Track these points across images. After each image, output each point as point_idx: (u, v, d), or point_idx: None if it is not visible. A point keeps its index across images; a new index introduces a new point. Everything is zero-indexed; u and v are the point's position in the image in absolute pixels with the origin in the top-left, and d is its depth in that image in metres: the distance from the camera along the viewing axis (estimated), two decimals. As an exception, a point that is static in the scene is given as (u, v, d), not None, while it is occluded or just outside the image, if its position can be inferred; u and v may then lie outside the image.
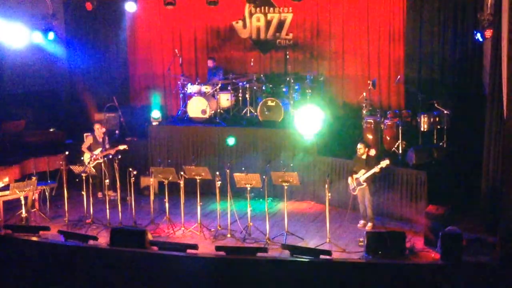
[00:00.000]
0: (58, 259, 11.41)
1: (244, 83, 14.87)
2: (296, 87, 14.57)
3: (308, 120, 13.38)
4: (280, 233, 11.74)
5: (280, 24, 15.89)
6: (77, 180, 12.90)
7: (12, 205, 13.08)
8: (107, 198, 12.71)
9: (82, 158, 13.67)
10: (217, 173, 12.03)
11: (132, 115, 16.73)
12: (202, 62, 16.35)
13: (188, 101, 14.90)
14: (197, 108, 14.74)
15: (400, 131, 13.20)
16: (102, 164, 13.27)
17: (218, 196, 12.09)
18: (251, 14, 16.08)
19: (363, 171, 11.84)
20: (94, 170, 13.04)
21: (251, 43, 16.21)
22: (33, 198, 13.18)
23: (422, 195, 12.17)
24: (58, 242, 11.70)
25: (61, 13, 16.87)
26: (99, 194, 13.86)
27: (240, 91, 14.92)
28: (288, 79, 14.53)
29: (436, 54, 14.42)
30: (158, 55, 16.91)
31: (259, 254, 10.80)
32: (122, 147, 13.59)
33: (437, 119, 13.27)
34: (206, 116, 14.68)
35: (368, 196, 11.96)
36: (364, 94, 14.22)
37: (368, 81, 14.32)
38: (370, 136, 13.49)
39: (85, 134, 14.32)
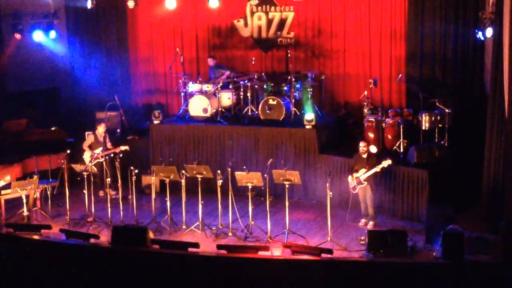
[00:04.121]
0: (60, 258, 11.43)
1: (246, 81, 14.86)
2: (298, 86, 14.57)
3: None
4: (281, 232, 11.75)
5: (282, 22, 15.88)
6: (78, 178, 12.92)
7: (13, 204, 13.10)
8: (108, 196, 12.72)
9: (83, 156, 13.69)
10: (219, 171, 12.03)
11: (133, 113, 16.75)
12: (203, 61, 16.33)
13: (190, 100, 14.89)
14: (198, 106, 14.74)
15: (401, 129, 13.20)
16: (104, 163, 13.28)
17: (219, 194, 12.09)
18: (252, 13, 16.07)
19: (363, 170, 11.84)
20: (95, 169, 13.05)
21: (253, 41, 16.20)
22: (35, 196, 13.20)
23: (423, 194, 12.17)
24: (59, 240, 11.73)
25: (62, 11, 16.87)
26: (101, 193, 13.86)
27: (242, 89, 14.90)
28: (289, 77, 14.52)
29: (437, 52, 14.40)
30: (160, 54, 16.91)
31: (260, 253, 10.82)
32: (123, 148, 13.58)
33: (438, 117, 13.26)
34: (208, 114, 14.68)
35: (369, 195, 11.96)
36: (366, 92, 14.24)
37: (370, 80, 14.33)
38: (371, 135, 13.49)
39: (86, 133, 14.34)
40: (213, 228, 12.17)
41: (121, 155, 13.00)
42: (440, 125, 13.30)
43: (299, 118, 14.24)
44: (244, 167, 12.26)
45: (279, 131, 14.03)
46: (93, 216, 12.72)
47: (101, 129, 13.86)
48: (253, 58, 15.45)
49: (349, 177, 12.10)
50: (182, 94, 15.42)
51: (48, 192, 13.51)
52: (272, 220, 11.98)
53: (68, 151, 13.75)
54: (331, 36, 15.51)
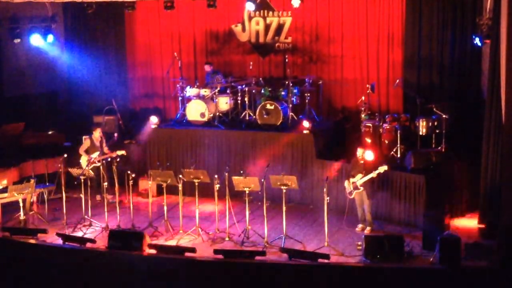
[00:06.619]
0: (56, 262, 11.41)
1: (243, 86, 14.88)
2: (295, 91, 14.58)
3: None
4: (278, 237, 11.73)
5: (279, 27, 15.89)
6: (75, 182, 12.90)
7: (10, 208, 13.07)
8: (105, 201, 12.71)
9: (80, 161, 13.68)
10: (216, 176, 12.04)
11: (131, 118, 16.73)
12: (201, 65, 16.33)
13: (187, 104, 14.90)
14: (196, 111, 14.74)
15: (398, 135, 13.22)
16: (101, 167, 13.26)
17: (216, 199, 12.08)
18: (250, 18, 16.08)
19: (360, 175, 11.85)
20: (92, 173, 13.04)
21: (250, 46, 16.21)
22: (31, 200, 13.17)
23: (420, 199, 12.18)
24: (56, 244, 11.70)
25: (60, 16, 16.86)
26: (97, 197, 13.84)
27: (239, 94, 14.92)
28: (287, 82, 14.54)
29: (434, 58, 14.42)
30: (157, 58, 16.91)
31: (257, 258, 10.81)
32: (120, 152, 13.56)
33: (435, 123, 13.27)
34: (205, 119, 14.69)
35: (366, 200, 11.97)
36: (363, 98, 14.25)
37: (367, 85, 14.34)
38: (368, 140, 13.50)
39: (83, 137, 14.32)
40: (210, 233, 12.16)
41: (118, 159, 12.97)
42: (437, 131, 13.31)
43: (297, 123, 14.25)
44: (241, 172, 12.26)
45: (277, 135, 14.03)
46: (90, 220, 12.69)
47: (97, 133, 13.85)
48: (251, 63, 15.48)
49: (346, 182, 12.12)
50: (180, 98, 15.43)
51: (45, 196, 13.50)
52: (269, 225, 11.98)
53: (65, 155, 13.73)
54: (329, 41, 15.52)
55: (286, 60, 15.52)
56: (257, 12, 15.95)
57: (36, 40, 15.99)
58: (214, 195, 12.07)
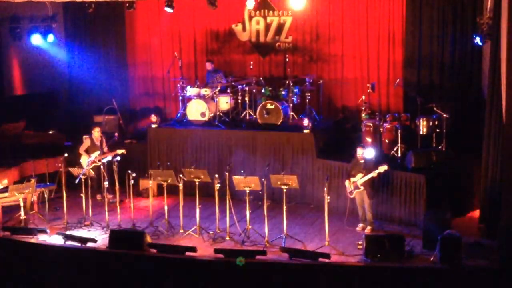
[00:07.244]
0: (57, 262, 11.41)
1: (244, 86, 14.89)
2: (296, 90, 14.58)
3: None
4: (279, 236, 11.74)
5: (280, 27, 15.89)
6: (76, 182, 12.91)
7: (10, 207, 13.06)
8: (105, 200, 12.72)
9: (80, 160, 13.68)
10: (216, 175, 12.04)
11: (131, 117, 16.73)
12: (201, 65, 16.35)
13: (188, 104, 14.91)
14: (196, 110, 14.75)
15: (399, 134, 13.22)
16: (101, 167, 13.26)
17: (217, 198, 12.09)
18: (250, 17, 16.08)
19: (360, 175, 11.85)
20: (93, 173, 13.04)
21: (251, 46, 16.21)
22: (32, 200, 13.17)
23: (421, 199, 12.18)
24: (56, 244, 11.70)
25: (60, 15, 16.87)
26: (98, 197, 13.85)
27: (239, 94, 14.93)
28: (287, 82, 14.55)
29: (435, 57, 14.41)
30: (158, 58, 16.91)
31: (258, 257, 10.81)
32: (120, 151, 13.55)
33: (436, 122, 13.28)
34: (205, 119, 14.69)
35: (367, 200, 11.97)
36: (363, 97, 14.25)
37: (367, 84, 14.34)
38: (369, 140, 13.51)
39: (84, 137, 14.33)
40: (211, 232, 12.16)
41: (118, 159, 12.97)
42: (437, 130, 13.32)
43: (297, 122, 14.25)
44: (242, 171, 12.26)
45: (277, 135, 14.03)
46: (90, 220, 12.70)
47: (96, 133, 13.85)
48: (251, 63, 15.48)
49: (346, 182, 12.12)
50: (180, 98, 15.44)
51: (46, 196, 13.49)
52: (270, 224, 11.98)
53: (66, 155, 13.73)
54: (329, 41, 15.52)
55: (287, 59, 15.52)
56: (258, 12, 15.95)
57: (36, 39, 16.02)
58: (214, 195, 12.07)
